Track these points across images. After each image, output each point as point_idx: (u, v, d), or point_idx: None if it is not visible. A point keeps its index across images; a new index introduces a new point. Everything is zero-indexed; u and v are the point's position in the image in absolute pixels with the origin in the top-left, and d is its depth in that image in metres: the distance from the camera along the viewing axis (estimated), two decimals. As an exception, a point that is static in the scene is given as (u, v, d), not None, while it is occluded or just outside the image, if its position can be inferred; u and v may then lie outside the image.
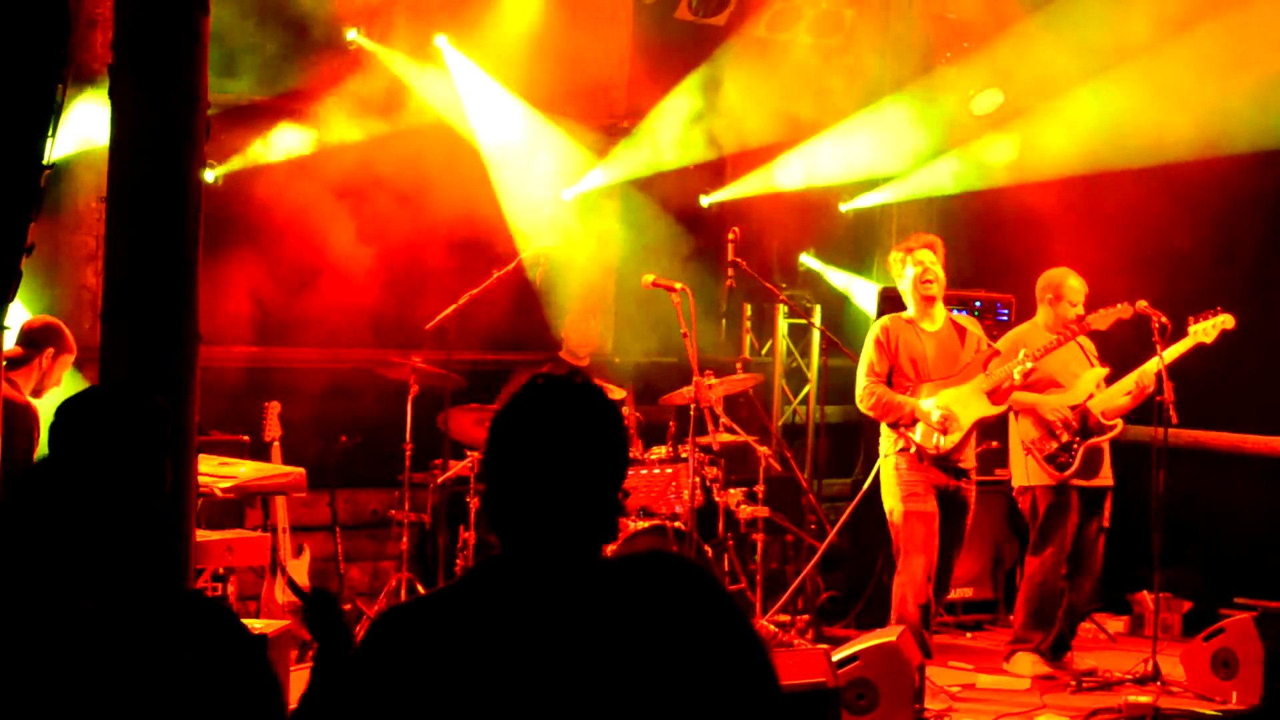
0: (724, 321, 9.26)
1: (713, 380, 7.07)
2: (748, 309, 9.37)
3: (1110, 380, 7.05)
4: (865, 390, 6.66)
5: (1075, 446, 6.95)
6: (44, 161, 3.70)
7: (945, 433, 6.49)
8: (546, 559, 2.16)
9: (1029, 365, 6.64)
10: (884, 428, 6.70)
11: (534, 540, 2.17)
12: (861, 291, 9.41)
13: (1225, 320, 6.85)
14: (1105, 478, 7.05)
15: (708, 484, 7.34)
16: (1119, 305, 6.96)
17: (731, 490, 7.51)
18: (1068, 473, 6.93)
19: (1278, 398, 7.89)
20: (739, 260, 7.45)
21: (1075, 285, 7.09)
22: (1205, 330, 6.84)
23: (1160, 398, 6.76)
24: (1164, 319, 6.79)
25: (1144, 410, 6.92)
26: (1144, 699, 6.16)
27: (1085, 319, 6.98)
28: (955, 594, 7.86)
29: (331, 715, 2.15)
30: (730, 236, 7.47)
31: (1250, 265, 8.02)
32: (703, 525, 7.10)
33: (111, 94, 4.06)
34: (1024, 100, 8.78)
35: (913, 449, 6.52)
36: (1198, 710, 6.18)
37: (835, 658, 5.43)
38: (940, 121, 9.17)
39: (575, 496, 2.18)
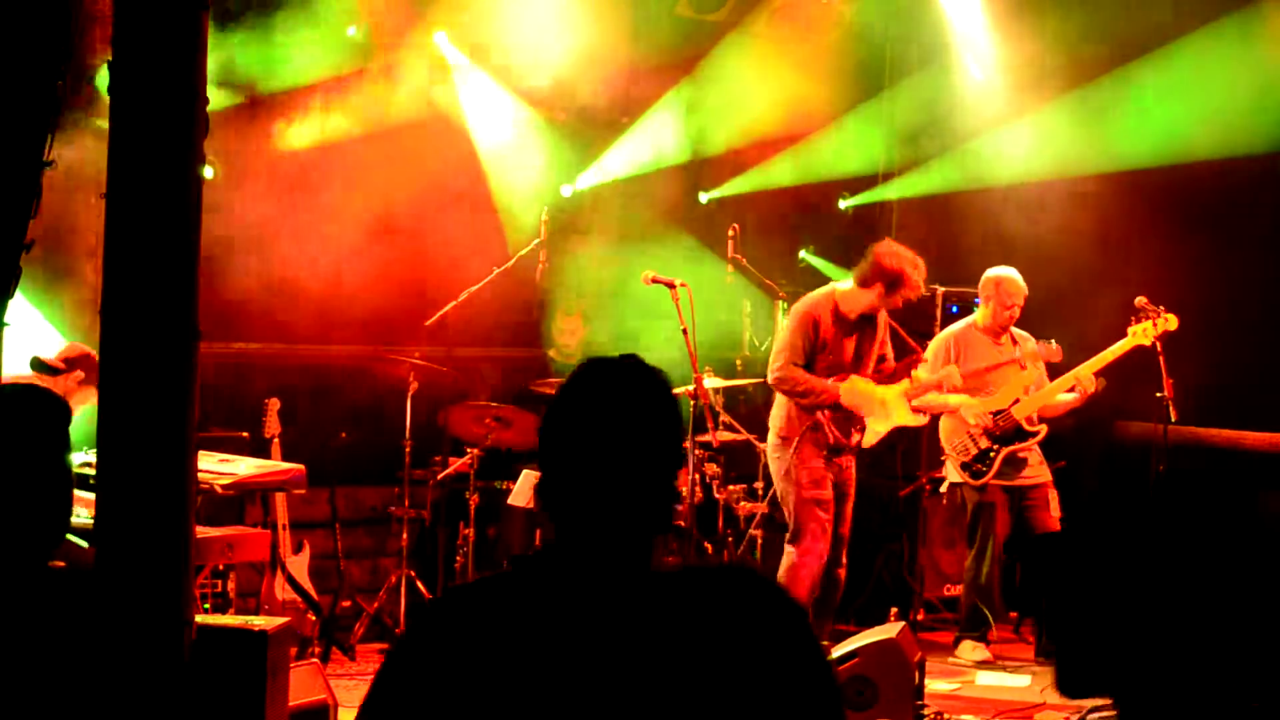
0: (723, 318, 9.25)
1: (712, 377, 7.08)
2: (747, 305, 9.34)
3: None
4: (785, 372, 6.60)
5: (993, 454, 6.92)
6: (44, 158, 3.70)
7: (862, 433, 6.67)
8: (600, 546, 2.12)
9: (956, 389, 6.79)
10: (782, 407, 6.68)
11: (587, 525, 2.13)
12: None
13: (1168, 321, 6.64)
14: (1036, 475, 7.02)
15: (708, 481, 7.34)
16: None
17: (731, 487, 7.51)
18: (982, 480, 6.92)
19: (1278, 394, 7.88)
20: (738, 257, 7.44)
21: (1011, 288, 6.96)
22: (1145, 331, 6.65)
23: (1160, 394, 6.74)
24: (1164, 311, 6.77)
25: (1144, 407, 6.90)
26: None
27: None
28: (953, 591, 7.85)
29: (380, 700, 2.12)
30: (730, 233, 7.46)
31: (1250, 261, 8.02)
32: (702, 522, 7.11)
33: (111, 89, 4.05)
34: (1025, 97, 8.76)
35: (830, 438, 6.58)
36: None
37: (835, 654, 5.43)
38: (940, 118, 9.15)
39: (629, 479, 2.13)
